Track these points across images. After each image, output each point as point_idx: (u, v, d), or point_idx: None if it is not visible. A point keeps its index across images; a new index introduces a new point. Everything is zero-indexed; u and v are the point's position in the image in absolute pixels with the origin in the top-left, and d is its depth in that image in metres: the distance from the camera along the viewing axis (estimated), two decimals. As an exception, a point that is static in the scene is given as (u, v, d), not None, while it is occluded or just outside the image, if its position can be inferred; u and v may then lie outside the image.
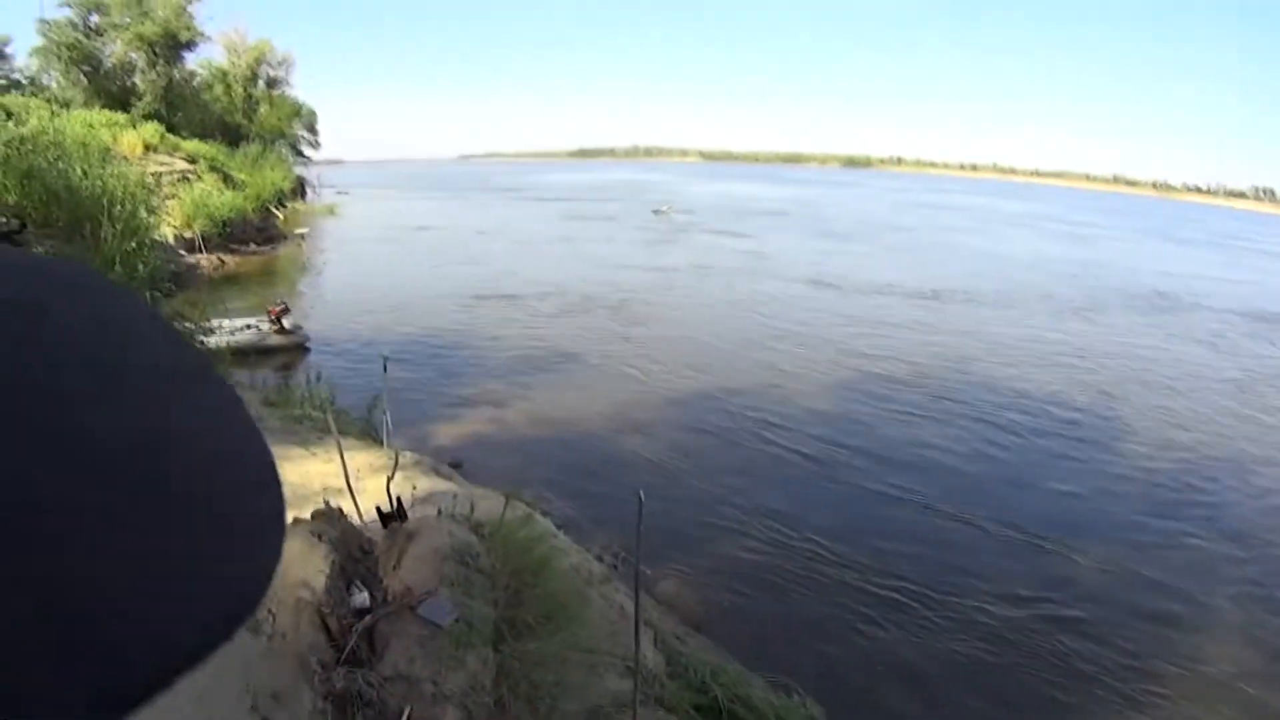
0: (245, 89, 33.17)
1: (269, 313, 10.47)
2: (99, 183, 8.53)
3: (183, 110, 27.51)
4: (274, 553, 0.30)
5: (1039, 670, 4.92)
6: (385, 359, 6.21)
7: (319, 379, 7.56)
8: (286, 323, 10.50)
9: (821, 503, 6.78)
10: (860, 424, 8.54)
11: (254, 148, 28.21)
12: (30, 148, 8.96)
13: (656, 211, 30.90)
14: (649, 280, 16.22)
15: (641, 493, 3.09)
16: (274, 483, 0.32)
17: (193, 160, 21.69)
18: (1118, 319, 15.94)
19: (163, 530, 0.26)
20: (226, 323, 9.59)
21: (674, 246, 20.59)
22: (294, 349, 10.50)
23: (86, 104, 23.42)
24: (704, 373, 10.07)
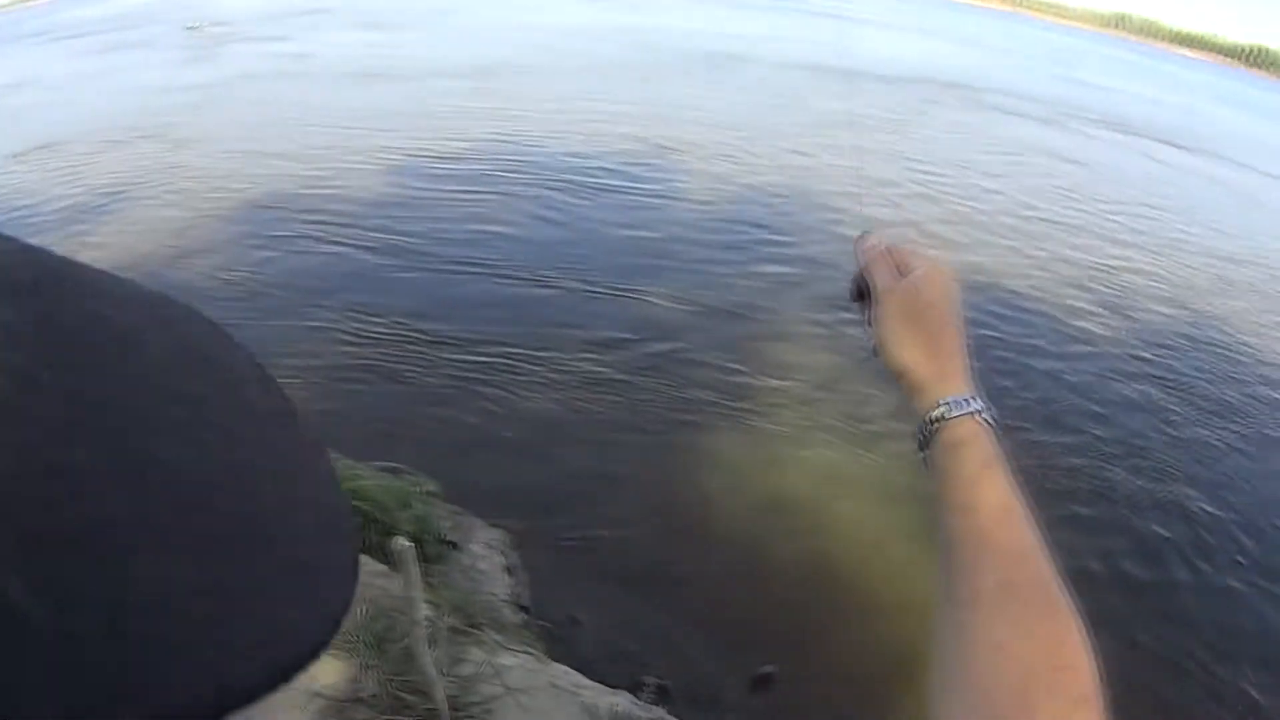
0: None
1: None
2: None
3: None
4: (343, 602, 0.29)
5: (649, 403, 5.52)
6: None
7: None
8: None
9: (400, 289, 6.74)
10: (419, 210, 8.45)
11: None
12: None
13: (190, 28, 26.86)
14: (189, 100, 14.15)
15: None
16: (350, 534, 0.31)
17: None
18: (676, 80, 16.89)
19: (233, 566, 0.26)
20: None
21: (214, 60, 18.01)
22: None
23: None
24: (253, 186, 9.11)
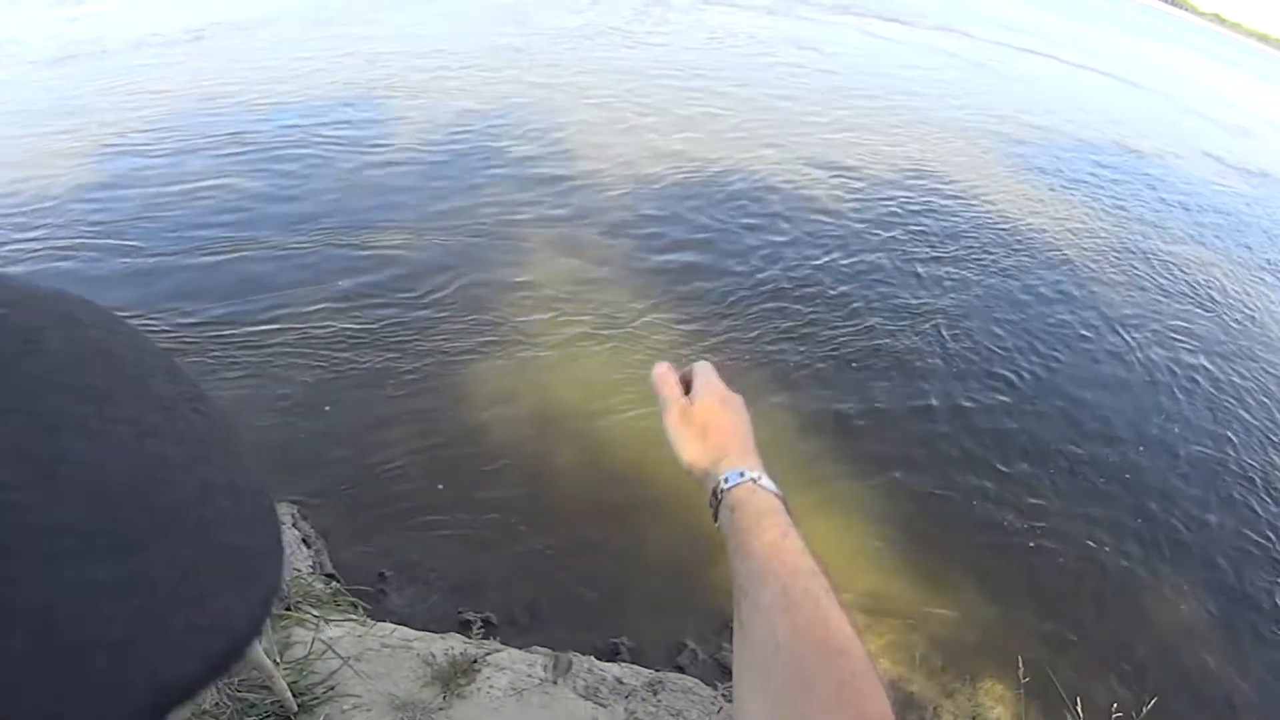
0: None
1: None
2: None
3: None
4: (271, 586, 0.29)
5: (405, 346, 5.51)
6: None
7: None
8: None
9: (119, 285, 6.13)
10: (127, 198, 7.54)
11: None
12: None
13: None
14: None
15: None
16: (270, 513, 0.31)
17: None
18: (395, 14, 16.04)
19: (156, 559, 0.25)
20: None
21: None
22: None
23: None
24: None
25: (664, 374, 0.97)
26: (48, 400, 0.26)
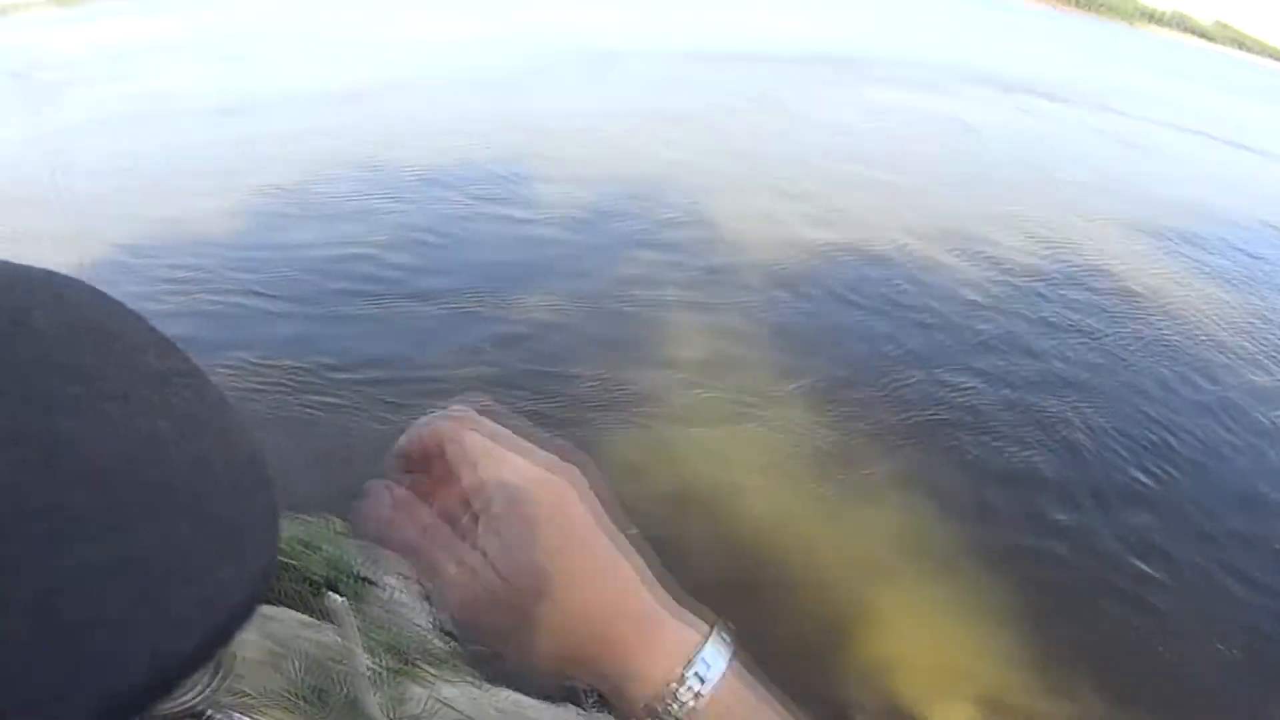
0: None
1: None
2: None
3: None
4: (268, 554, 0.29)
5: (542, 407, 5.50)
6: None
7: None
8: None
9: (274, 328, 6.54)
10: (288, 246, 8.12)
11: None
12: None
13: (16, 75, 25.05)
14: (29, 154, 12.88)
15: None
16: (265, 483, 0.31)
17: None
18: (545, 84, 16.43)
19: (152, 536, 0.25)
20: None
21: (57, 106, 16.52)
22: None
23: None
24: (115, 238, 8.26)
25: (377, 491, 0.51)
26: (38, 381, 0.26)
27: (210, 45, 23.62)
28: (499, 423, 0.52)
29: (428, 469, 0.50)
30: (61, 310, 0.30)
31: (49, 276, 0.32)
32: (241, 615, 0.26)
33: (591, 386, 5.84)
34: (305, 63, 21.20)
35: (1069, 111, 18.88)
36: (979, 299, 7.76)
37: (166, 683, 0.24)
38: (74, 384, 0.27)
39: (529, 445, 0.49)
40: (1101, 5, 61.45)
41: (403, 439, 0.52)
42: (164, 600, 0.24)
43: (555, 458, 0.49)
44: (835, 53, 22.93)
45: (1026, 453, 5.76)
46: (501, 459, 0.47)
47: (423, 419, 0.52)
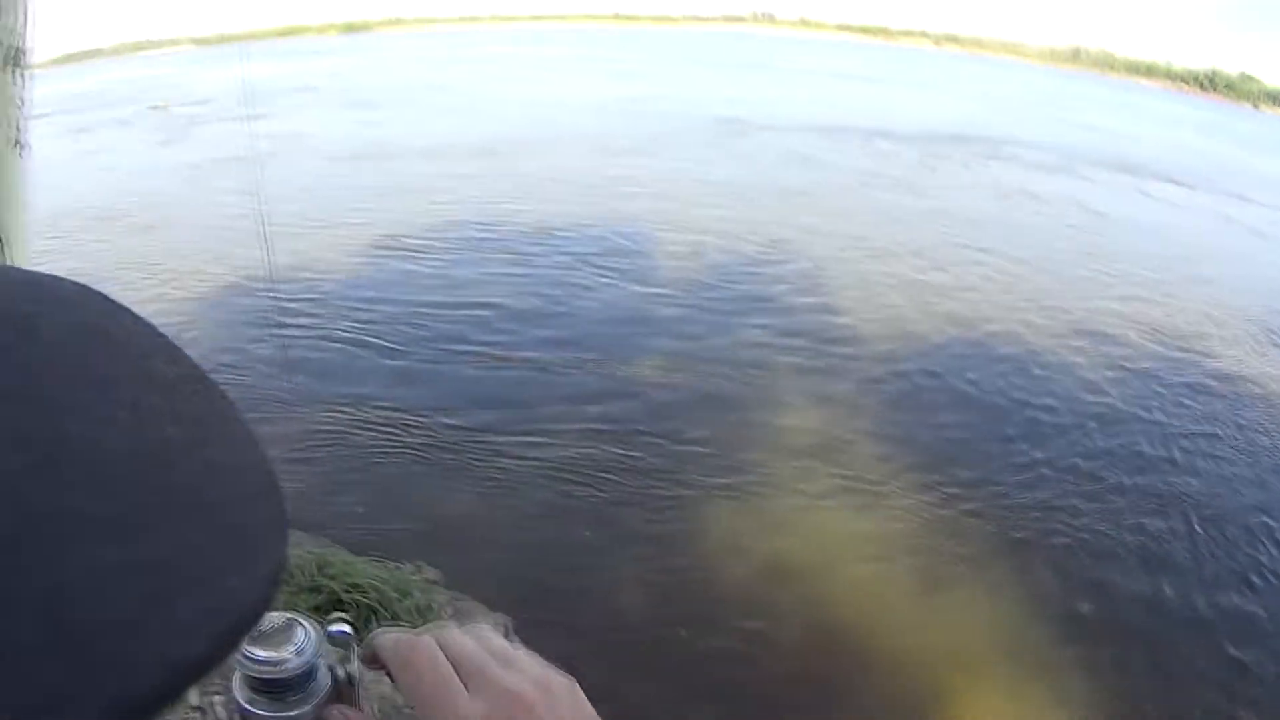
0: None
1: None
2: None
3: None
4: (277, 561, 0.29)
5: (646, 477, 5.56)
6: None
7: None
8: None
9: (395, 377, 6.72)
10: (410, 294, 8.41)
11: None
12: None
13: (155, 107, 27.25)
14: (163, 184, 13.87)
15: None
16: (274, 490, 0.31)
17: None
18: (679, 150, 16.97)
19: (162, 541, 0.25)
20: None
21: (186, 142, 17.73)
22: None
23: None
24: (234, 271, 8.84)
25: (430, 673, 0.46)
26: (47, 385, 0.27)
27: (345, 92, 25.00)
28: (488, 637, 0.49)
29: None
30: (71, 315, 0.31)
31: (58, 282, 0.33)
32: (249, 621, 0.27)
33: (695, 451, 5.83)
34: (439, 115, 22.31)
35: (1197, 198, 18.13)
36: (1097, 397, 7.45)
37: (175, 688, 0.24)
38: (84, 388, 0.28)
39: (524, 655, 0.48)
40: (1225, 87, 59.40)
41: (384, 643, 0.48)
42: (173, 605, 0.25)
43: (551, 669, 0.48)
44: (965, 131, 22.83)
45: (1135, 561, 5.51)
46: (509, 660, 0.47)
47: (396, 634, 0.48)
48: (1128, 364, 8.20)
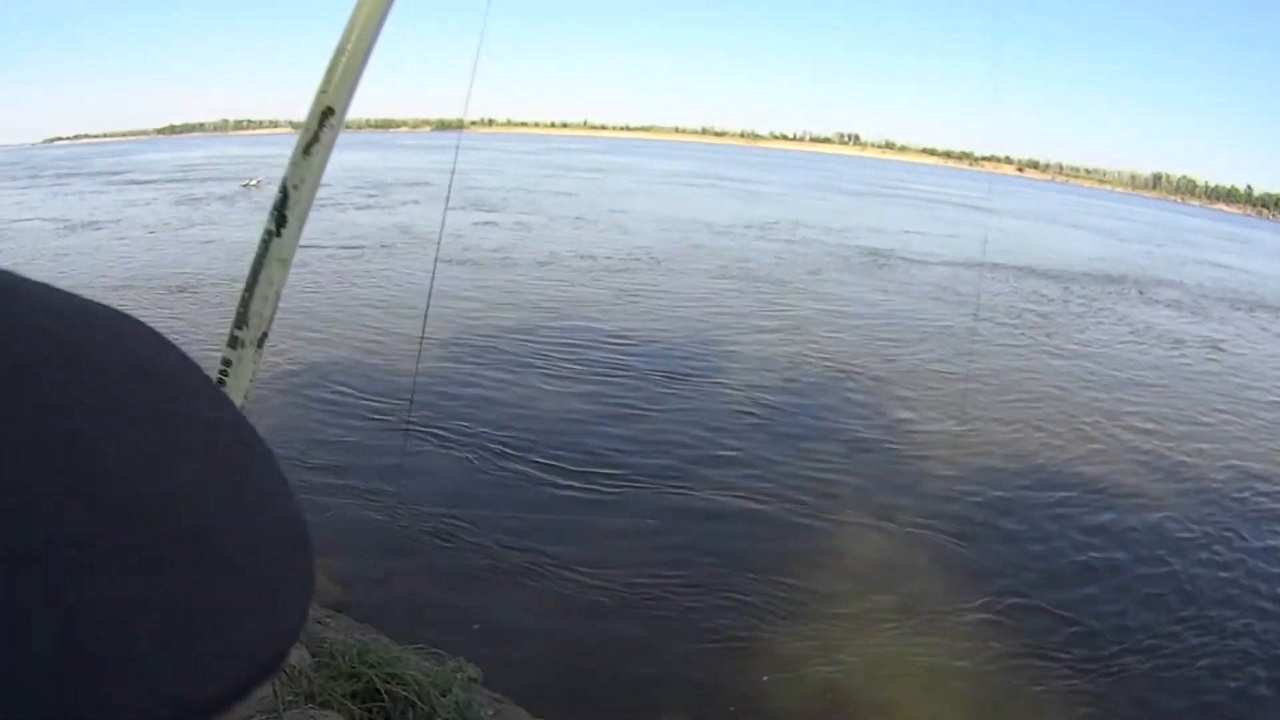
0: None
1: None
2: None
3: None
4: (298, 614, 0.28)
5: (700, 596, 5.38)
6: None
7: None
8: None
9: (458, 480, 6.72)
10: (492, 401, 8.46)
11: None
12: None
13: (246, 185, 29.44)
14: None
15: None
16: (304, 543, 0.30)
17: None
18: (844, 278, 17.12)
19: (185, 582, 0.25)
20: None
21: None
22: None
23: None
24: (305, 365, 9.26)
25: None
26: (87, 415, 0.27)
27: (458, 191, 25.84)
28: None
29: None
30: (118, 349, 0.31)
31: (108, 313, 0.32)
32: (265, 671, 0.26)
33: (755, 579, 5.61)
34: (571, 229, 22.17)
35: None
36: (1205, 556, 6.80)
37: None
38: (122, 422, 0.28)
39: None
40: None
41: None
42: (189, 645, 0.24)
43: None
44: (1106, 269, 22.75)
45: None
46: None
47: None
48: (1245, 524, 7.41)
